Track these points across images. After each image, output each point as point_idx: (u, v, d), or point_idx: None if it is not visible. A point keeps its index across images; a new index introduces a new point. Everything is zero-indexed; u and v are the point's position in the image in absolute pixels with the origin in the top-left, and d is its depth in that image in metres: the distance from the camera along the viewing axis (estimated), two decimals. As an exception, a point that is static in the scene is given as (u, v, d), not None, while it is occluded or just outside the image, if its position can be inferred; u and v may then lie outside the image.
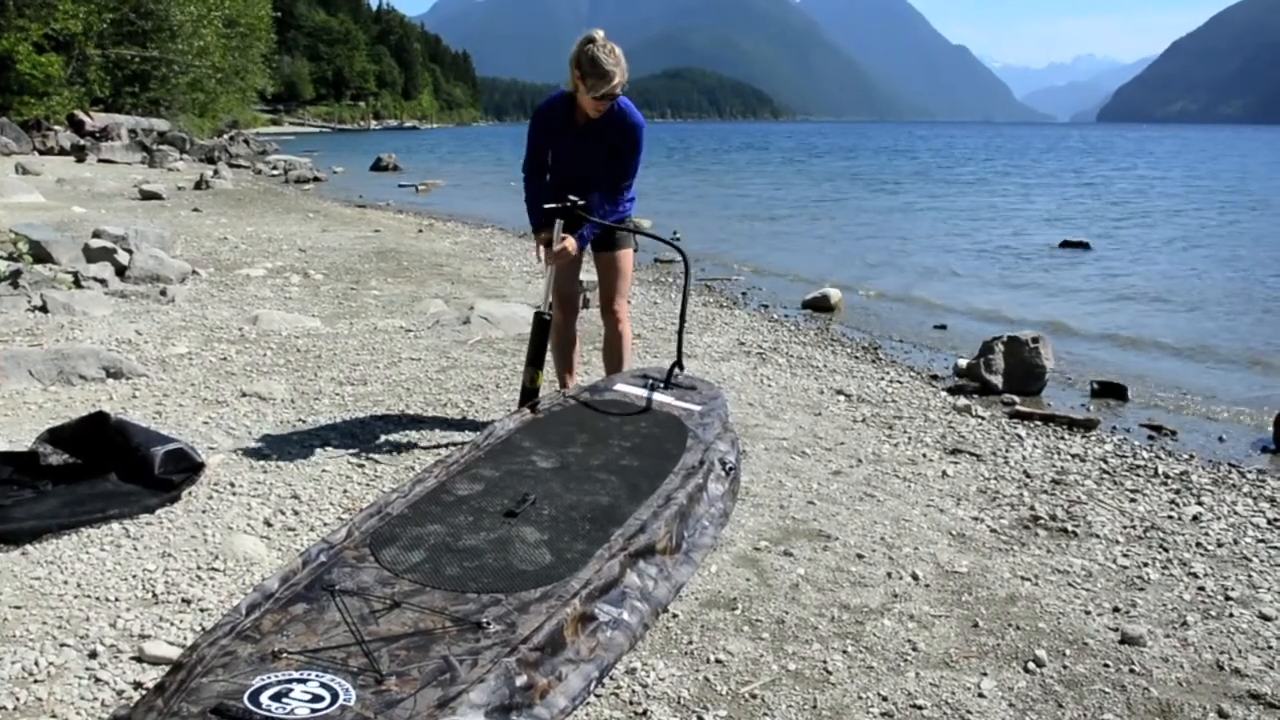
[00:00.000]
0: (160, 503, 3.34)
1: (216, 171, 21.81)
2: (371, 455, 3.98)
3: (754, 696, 2.36)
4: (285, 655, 2.02)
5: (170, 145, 28.70)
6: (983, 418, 5.11)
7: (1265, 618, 2.86)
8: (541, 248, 4.11)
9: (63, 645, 2.46)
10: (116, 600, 2.72)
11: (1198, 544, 3.43)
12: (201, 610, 2.68)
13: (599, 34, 3.80)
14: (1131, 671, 2.54)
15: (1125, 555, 3.30)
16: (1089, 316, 8.87)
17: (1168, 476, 4.27)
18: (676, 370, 4.06)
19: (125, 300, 7.09)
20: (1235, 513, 3.80)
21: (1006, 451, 4.49)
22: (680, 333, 4.24)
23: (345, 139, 70.70)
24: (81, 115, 29.30)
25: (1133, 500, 3.90)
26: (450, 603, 2.28)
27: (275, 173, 27.06)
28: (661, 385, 3.96)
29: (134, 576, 2.86)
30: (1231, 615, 2.88)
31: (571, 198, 3.94)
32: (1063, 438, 4.84)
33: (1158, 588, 3.05)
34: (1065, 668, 2.54)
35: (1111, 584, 3.07)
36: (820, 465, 4.11)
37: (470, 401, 4.84)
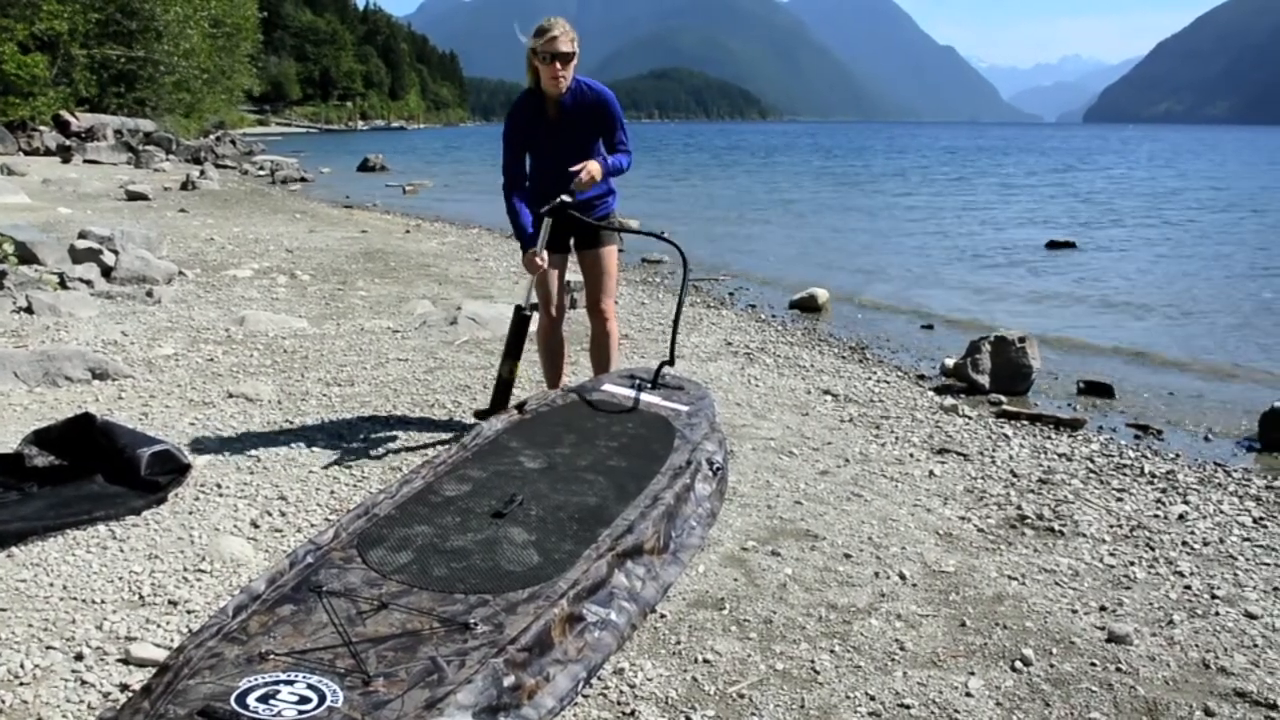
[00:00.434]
0: (147, 504, 3.32)
1: (203, 172, 21.74)
2: (358, 456, 3.98)
3: (742, 696, 2.36)
4: (272, 657, 2.02)
5: (156, 146, 28.58)
6: (970, 417, 5.13)
7: (1251, 616, 2.88)
8: (538, 259, 4.01)
9: (49, 647, 2.45)
10: (103, 602, 2.71)
11: (1184, 543, 3.45)
12: (188, 612, 2.67)
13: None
14: (1118, 670, 2.55)
15: (1112, 554, 3.31)
16: (1076, 316, 8.91)
17: (1154, 475, 4.29)
18: (665, 369, 4.05)
19: (111, 301, 7.06)
20: (1221, 511, 3.82)
21: (993, 451, 4.50)
22: (675, 328, 4.17)
23: (332, 139, 70.50)
24: (67, 116, 29.20)
25: (1119, 499, 3.92)
26: (438, 603, 2.28)
27: (262, 173, 26.97)
28: (649, 385, 3.95)
29: (120, 578, 2.84)
30: (1218, 614, 2.89)
31: (563, 197, 3.93)
32: (1049, 437, 4.86)
33: (1144, 586, 3.07)
34: (1052, 666, 2.55)
35: (1098, 583, 3.08)
36: (807, 465, 4.11)
37: (457, 402, 4.83)
